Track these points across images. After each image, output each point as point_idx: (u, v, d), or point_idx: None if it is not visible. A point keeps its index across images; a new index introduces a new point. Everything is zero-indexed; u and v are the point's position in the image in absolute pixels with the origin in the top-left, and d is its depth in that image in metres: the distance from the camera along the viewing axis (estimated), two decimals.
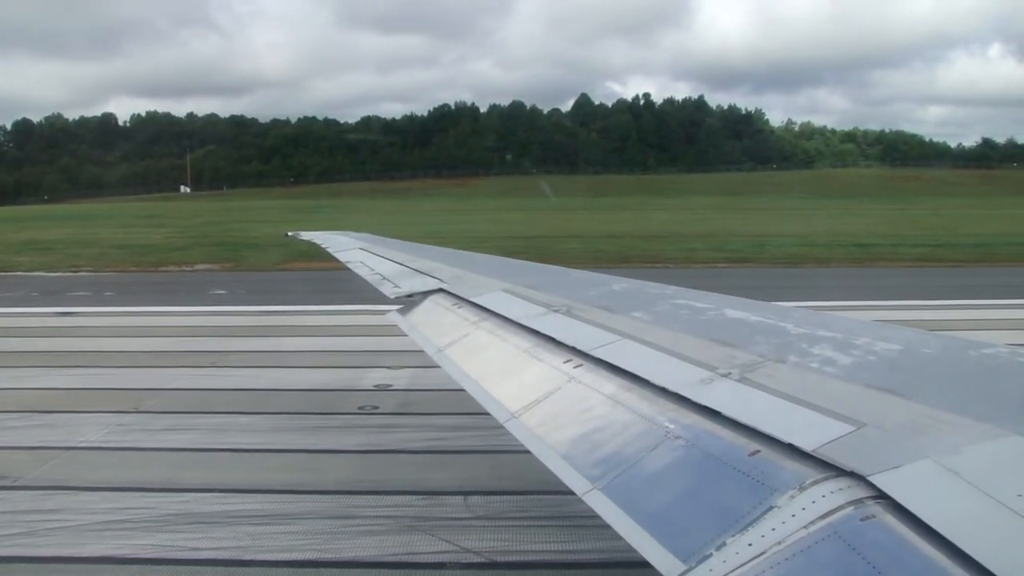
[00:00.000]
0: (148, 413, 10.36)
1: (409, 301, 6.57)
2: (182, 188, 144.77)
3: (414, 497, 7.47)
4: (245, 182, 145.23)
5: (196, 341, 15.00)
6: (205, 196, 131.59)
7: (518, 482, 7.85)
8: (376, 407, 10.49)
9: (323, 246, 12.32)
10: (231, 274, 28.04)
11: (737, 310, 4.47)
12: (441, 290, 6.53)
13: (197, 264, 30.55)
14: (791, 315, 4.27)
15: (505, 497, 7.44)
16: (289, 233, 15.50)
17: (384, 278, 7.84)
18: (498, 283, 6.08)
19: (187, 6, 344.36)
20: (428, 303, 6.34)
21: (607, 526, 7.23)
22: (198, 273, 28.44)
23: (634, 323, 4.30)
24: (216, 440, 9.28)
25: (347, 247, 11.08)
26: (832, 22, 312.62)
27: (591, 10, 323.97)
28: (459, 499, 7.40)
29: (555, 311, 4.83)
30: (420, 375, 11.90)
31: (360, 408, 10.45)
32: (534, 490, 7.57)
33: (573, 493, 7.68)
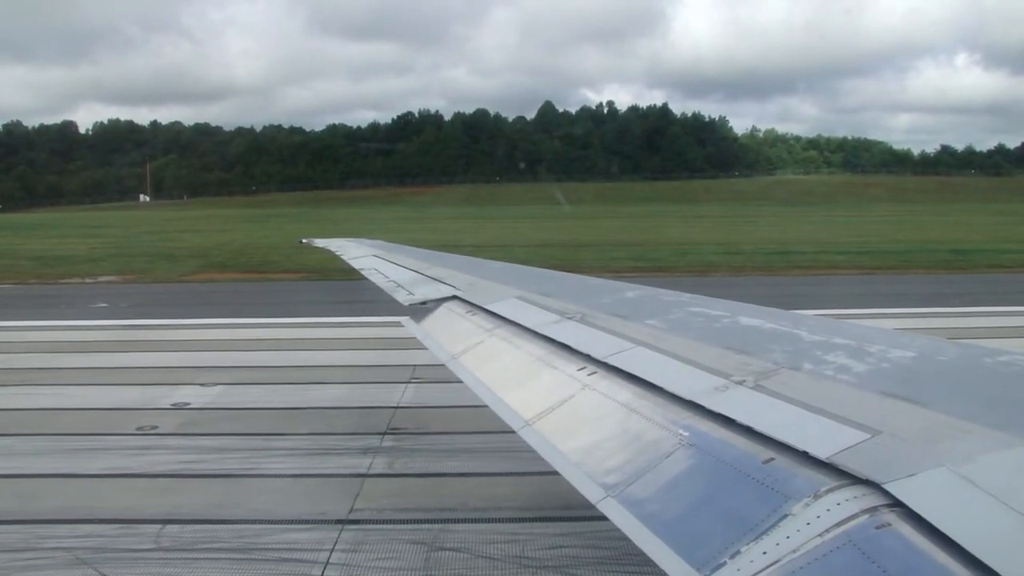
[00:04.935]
0: None
1: (423, 308, 6.52)
2: (141, 197, 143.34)
3: (110, 526, 7.12)
4: (207, 191, 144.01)
5: (31, 358, 14.50)
6: (163, 205, 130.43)
7: (231, 510, 7.53)
8: (155, 427, 10.11)
9: (337, 253, 12.19)
10: (128, 286, 27.41)
11: (751, 318, 4.41)
12: (455, 297, 6.50)
13: (101, 276, 29.90)
14: (805, 322, 4.23)
15: (205, 526, 7.12)
16: (304, 240, 15.30)
17: (398, 285, 7.78)
18: (512, 290, 6.06)
19: (156, 13, 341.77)
20: (442, 310, 6.31)
21: (284, 560, 6.83)
22: (97, 285, 27.78)
23: (648, 330, 4.24)
24: None
25: (361, 254, 11.00)
26: (804, 32, 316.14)
27: (564, 19, 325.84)
28: (155, 528, 7.05)
29: (569, 318, 4.80)
30: (228, 392, 11.54)
31: (138, 428, 10.06)
32: (242, 519, 7.27)
33: (273, 522, 7.31)
